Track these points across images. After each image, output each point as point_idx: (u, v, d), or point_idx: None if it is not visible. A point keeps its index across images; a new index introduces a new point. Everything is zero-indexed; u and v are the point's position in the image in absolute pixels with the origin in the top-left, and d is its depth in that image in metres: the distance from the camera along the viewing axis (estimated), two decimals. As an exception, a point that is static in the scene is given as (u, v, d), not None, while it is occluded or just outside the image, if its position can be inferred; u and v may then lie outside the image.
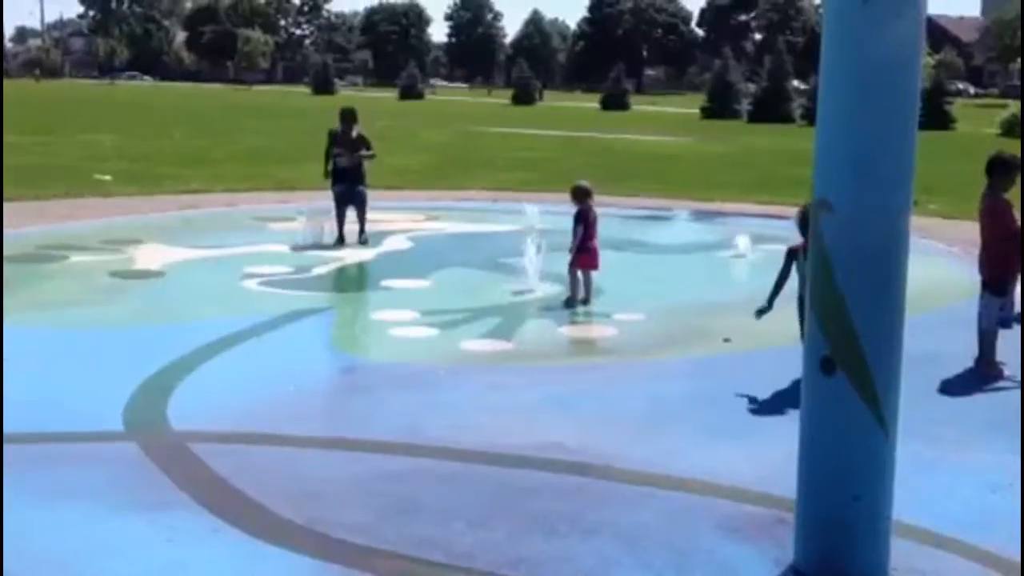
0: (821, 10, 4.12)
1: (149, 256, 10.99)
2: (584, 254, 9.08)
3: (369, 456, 5.46)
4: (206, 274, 10.28)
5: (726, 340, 7.84)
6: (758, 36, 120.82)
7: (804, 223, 6.13)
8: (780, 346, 7.71)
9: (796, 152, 23.61)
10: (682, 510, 4.81)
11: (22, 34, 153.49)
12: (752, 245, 11.96)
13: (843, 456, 3.91)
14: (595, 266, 9.16)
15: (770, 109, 47.84)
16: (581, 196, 9.20)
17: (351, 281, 10.88)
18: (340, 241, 11.92)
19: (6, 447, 5.31)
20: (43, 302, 8.82)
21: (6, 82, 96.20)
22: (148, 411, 5.98)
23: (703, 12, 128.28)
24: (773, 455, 5.21)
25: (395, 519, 4.59)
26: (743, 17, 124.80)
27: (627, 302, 9.16)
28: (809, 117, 41.77)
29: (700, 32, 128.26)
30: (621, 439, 5.64)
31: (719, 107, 51.65)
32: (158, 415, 5.92)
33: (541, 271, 9.80)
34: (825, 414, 3.95)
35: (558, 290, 9.60)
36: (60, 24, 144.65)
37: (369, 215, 12.24)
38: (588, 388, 6.73)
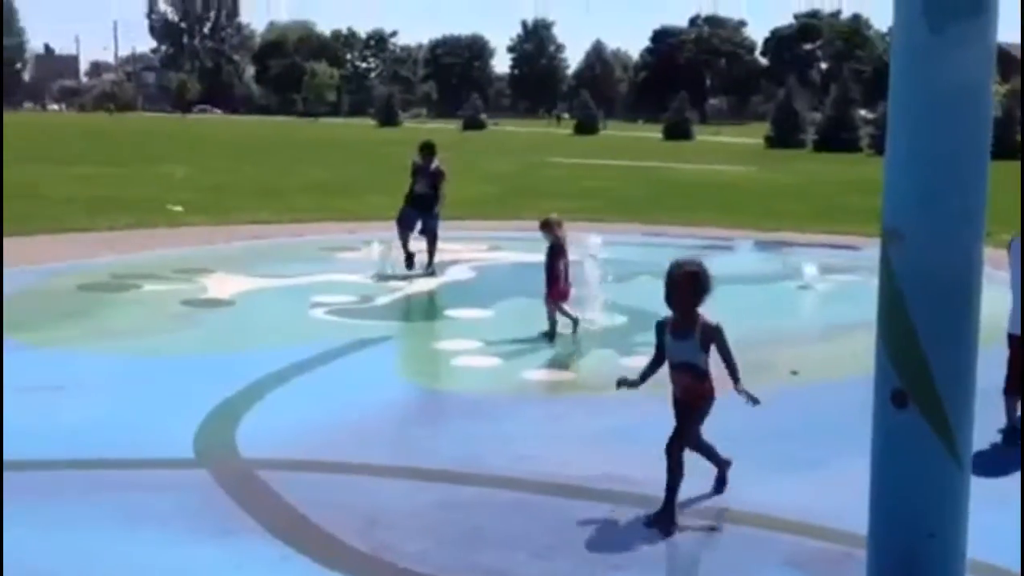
0: (888, 39, 4.09)
1: (219, 285, 11.20)
2: (567, 286, 9.08)
3: (433, 485, 5.48)
4: (274, 303, 10.45)
5: (794, 372, 7.74)
6: (823, 65, 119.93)
7: (671, 291, 4.94)
8: (849, 378, 7.60)
9: (863, 181, 23.31)
10: (748, 544, 4.75)
11: (97, 68, 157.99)
12: (819, 275, 11.82)
13: (916, 492, 3.83)
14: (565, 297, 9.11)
15: (836, 138, 47.38)
16: (554, 228, 9.22)
17: (415, 310, 10.96)
18: (410, 259, 12.05)
19: (80, 473, 5.46)
20: (116, 330, 9.02)
21: (81, 116, 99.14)
22: (218, 438, 6.08)
23: (767, 41, 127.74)
24: (842, 490, 5.12)
25: (459, 548, 4.60)
26: (808, 46, 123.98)
27: (691, 333, 9.08)
28: (876, 146, 41.26)
29: (764, 61, 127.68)
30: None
31: (783, 136, 51.28)
32: (227, 442, 6.01)
33: (602, 301, 9.79)
34: (897, 448, 3.87)
35: (620, 321, 9.59)
36: (133, 59, 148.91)
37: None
38: (651, 419, 6.65)
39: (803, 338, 9.31)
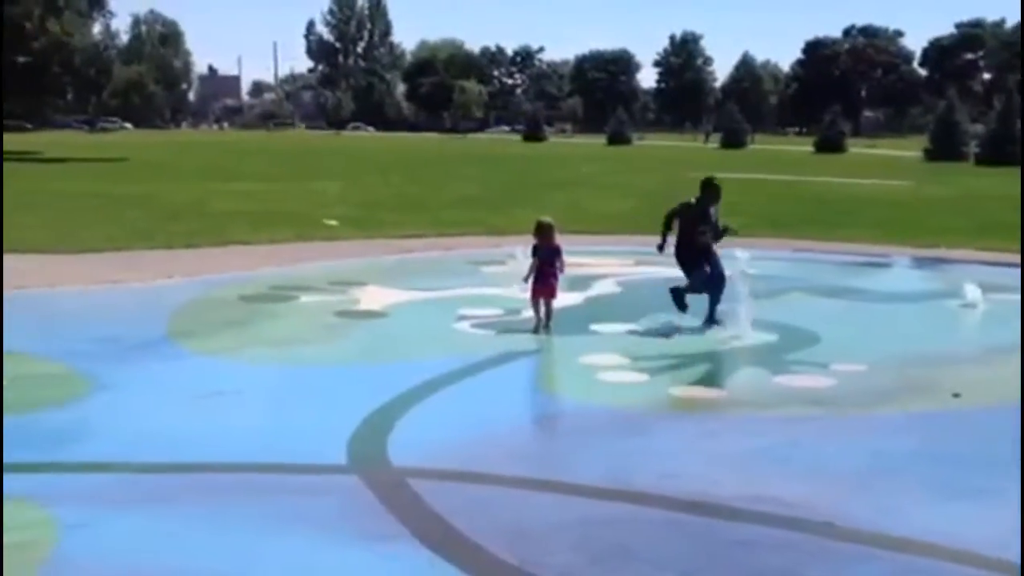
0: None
1: (371, 297, 11.49)
2: (539, 284, 9.87)
3: (580, 500, 5.48)
4: (423, 315, 10.65)
5: (956, 395, 7.42)
6: (986, 75, 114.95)
7: None
8: (1013, 402, 7.26)
9: (1030, 196, 22.17)
10: (906, 572, 4.58)
11: (258, 88, 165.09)
12: (982, 294, 11.30)
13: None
14: (551, 295, 9.95)
15: (1000, 151, 45.34)
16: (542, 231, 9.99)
17: (560, 324, 10.97)
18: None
19: (241, 476, 5.70)
20: (275, 339, 9.36)
21: (244, 133, 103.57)
22: (370, 446, 6.23)
23: (926, 51, 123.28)
24: (1004, 518, 4.91)
25: (606, 565, 4.59)
26: (970, 56, 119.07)
27: (846, 352, 8.83)
28: (1044, 159, 39.21)
29: (923, 72, 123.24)
30: (840, 495, 5.43)
31: (943, 149, 49.41)
32: (379, 450, 6.16)
33: (752, 318, 9.60)
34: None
35: (770, 338, 9.39)
36: (291, 78, 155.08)
37: (580, 259, 12.26)
38: (805, 440, 6.52)
39: (965, 359, 8.91)
